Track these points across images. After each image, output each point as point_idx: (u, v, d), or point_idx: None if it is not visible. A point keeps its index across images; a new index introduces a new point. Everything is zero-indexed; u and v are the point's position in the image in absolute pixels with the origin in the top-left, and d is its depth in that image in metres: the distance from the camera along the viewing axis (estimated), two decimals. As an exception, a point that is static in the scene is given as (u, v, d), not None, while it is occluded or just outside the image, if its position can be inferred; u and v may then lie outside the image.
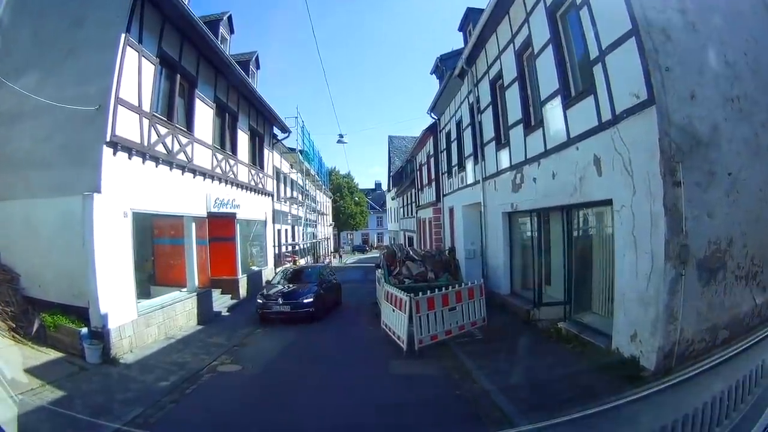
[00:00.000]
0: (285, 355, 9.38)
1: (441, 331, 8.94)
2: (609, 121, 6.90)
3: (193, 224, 11.90)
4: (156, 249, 12.69)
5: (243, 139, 15.72)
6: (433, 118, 21.41)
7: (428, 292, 9.05)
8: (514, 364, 7.41)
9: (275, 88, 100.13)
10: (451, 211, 19.20)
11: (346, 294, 16.72)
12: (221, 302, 13.70)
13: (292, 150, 21.69)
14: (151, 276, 12.73)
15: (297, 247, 22.78)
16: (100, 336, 8.23)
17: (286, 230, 23.18)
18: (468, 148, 15.47)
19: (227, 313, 13.24)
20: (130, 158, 9.22)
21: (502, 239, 12.58)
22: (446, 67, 19.35)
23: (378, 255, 19.71)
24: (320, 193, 33.67)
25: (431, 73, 22.71)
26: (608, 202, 7.12)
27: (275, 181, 20.45)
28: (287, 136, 20.24)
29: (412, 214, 30.83)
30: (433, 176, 22.79)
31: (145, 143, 9.67)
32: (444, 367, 7.88)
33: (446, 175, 19.98)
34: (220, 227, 14.35)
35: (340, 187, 54.90)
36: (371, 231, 72.48)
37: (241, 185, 15.27)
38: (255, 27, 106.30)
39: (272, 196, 19.57)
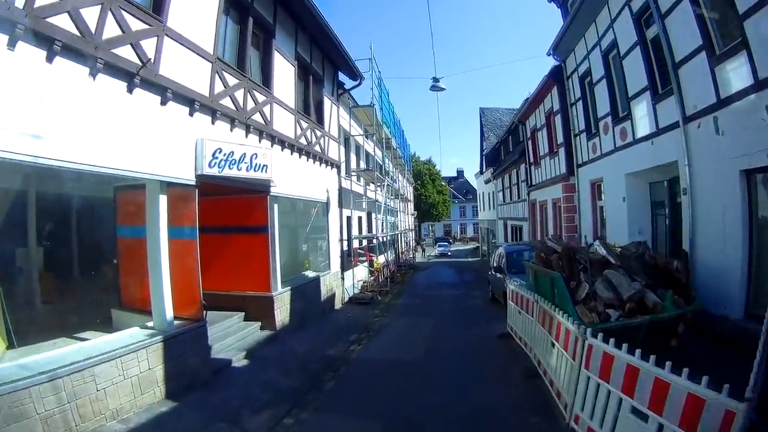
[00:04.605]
0: None
1: None
2: None
3: (162, 198, 5.71)
4: (122, 246, 6.78)
5: (284, 69, 9.40)
6: (556, 60, 14.50)
7: None
8: None
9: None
10: (596, 186, 12.89)
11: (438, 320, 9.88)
12: (238, 339, 7.50)
13: (365, 106, 15.04)
14: (116, 294, 6.91)
15: (374, 241, 16.26)
16: None
17: (360, 218, 16.74)
18: (636, 82, 9.39)
19: (243, 363, 6.92)
20: None
21: (739, 219, 6.54)
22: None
23: (500, 251, 12.66)
24: (401, 176, 26.99)
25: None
26: None
27: (342, 148, 14.03)
28: (358, 85, 13.68)
29: (518, 198, 23.34)
30: (560, 140, 15.76)
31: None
32: None
33: (583, 135, 13.30)
34: (238, 208, 8.26)
35: (420, 174, 48.61)
36: (453, 222, 66.97)
37: (280, 140, 8.94)
38: None
39: (338, 167, 13.18)
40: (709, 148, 7.16)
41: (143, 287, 6.14)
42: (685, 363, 3.04)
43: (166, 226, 5.73)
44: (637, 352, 3.62)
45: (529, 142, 20.47)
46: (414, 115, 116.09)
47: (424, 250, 43.61)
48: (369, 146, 18.05)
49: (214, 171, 6.22)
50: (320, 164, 11.50)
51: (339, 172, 13.21)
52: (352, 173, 15.03)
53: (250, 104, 7.72)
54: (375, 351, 7.97)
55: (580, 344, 4.62)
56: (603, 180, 12.11)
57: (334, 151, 12.78)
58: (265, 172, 7.05)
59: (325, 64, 12.19)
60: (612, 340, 4.02)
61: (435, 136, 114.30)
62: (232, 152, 6.47)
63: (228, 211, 8.32)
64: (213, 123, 6.72)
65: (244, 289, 8.18)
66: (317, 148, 11.08)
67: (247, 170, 6.73)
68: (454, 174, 70.23)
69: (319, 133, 11.28)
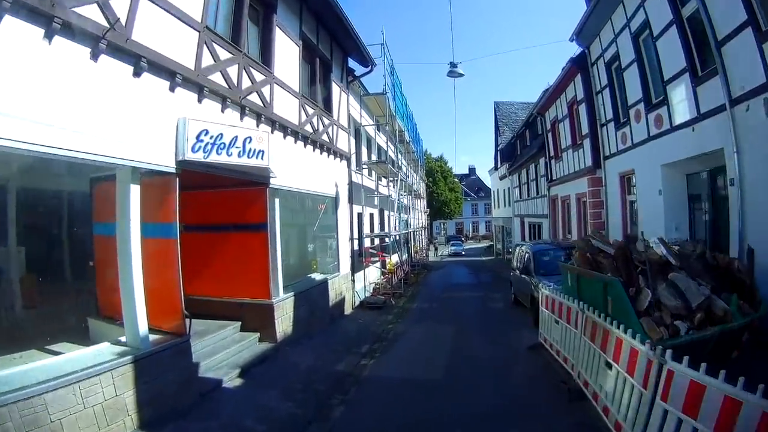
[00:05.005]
0: None
1: None
2: None
3: (133, 188, 4.70)
4: (98, 246, 5.79)
5: (287, 48, 8.35)
6: (579, 46, 13.39)
7: None
8: None
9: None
10: (625, 179, 11.81)
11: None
12: (232, 353, 6.45)
13: (377, 94, 13.89)
14: (94, 300, 5.96)
15: (387, 240, 15.13)
16: None
17: (372, 215, 15.65)
18: (673, 65, 8.43)
19: (236, 383, 5.87)
20: None
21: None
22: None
23: (525, 250, 11.44)
24: (413, 172, 25.74)
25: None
26: None
27: (353, 140, 12.94)
28: (369, 71, 12.53)
29: (537, 194, 22.08)
30: (584, 132, 14.64)
31: None
32: None
33: (611, 125, 12.21)
34: (233, 203, 7.25)
35: (432, 171, 47.39)
36: (465, 220, 65.67)
37: (281, 125, 7.91)
38: None
39: (348, 159, 12.12)
40: (761, 132, 6.22)
41: (119, 294, 5.15)
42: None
43: (138, 222, 4.71)
44: (740, 381, 2.73)
45: (549, 134, 19.24)
46: (425, 112, 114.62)
47: (436, 249, 42.39)
48: (381, 140, 16.96)
49: (199, 156, 5.18)
50: (328, 155, 10.44)
51: (349, 165, 12.14)
52: (364, 166, 13.94)
53: (246, 83, 6.67)
54: (390, 366, 6.88)
55: (655, 368, 3.62)
56: (635, 172, 10.97)
57: (344, 141, 11.71)
58: (262, 158, 5.98)
59: (334, 47, 11.13)
60: (704, 366, 3.06)
61: (446, 134, 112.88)
62: (221, 134, 5.41)
63: (222, 206, 7.30)
64: (200, 101, 5.69)
65: (241, 296, 7.15)
66: (325, 137, 10.02)
67: (239, 156, 5.66)
68: (466, 171, 68.87)
69: (327, 122, 10.23)
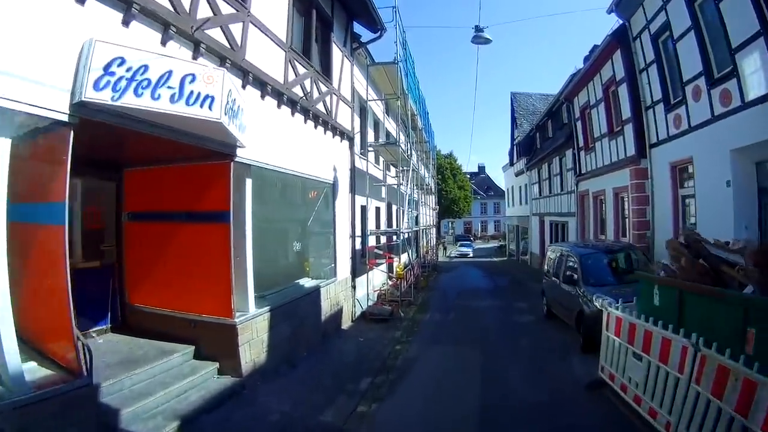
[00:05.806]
0: None
1: None
2: None
3: (1, 143, 2.91)
4: (14, 236, 3.91)
5: (274, -13, 6.52)
6: (620, 19, 12.02)
7: None
8: None
9: None
10: (677, 170, 10.36)
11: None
12: (174, 394, 4.53)
13: (386, 63, 11.95)
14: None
15: (395, 239, 13.14)
16: None
17: (378, 209, 13.75)
18: (742, 29, 7.26)
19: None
20: None
21: None
22: None
23: (566, 253, 9.54)
24: (422, 165, 23.68)
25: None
26: None
27: (357, 119, 11.07)
28: (378, 37, 10.67)
29: (561, 190, 20.20)
30: (625, 117, 12.69)
31: None
32: None
33: (659, 107, 10.80)
34: (185, 183, 5.38)
35: (441, 168, 45.50)
36: (474, 219, 64.08)
37: (258, 80, 5.99)
38: None
39: (351, 140, 10.26)
40: None
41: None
42: None
43: (4, 197, 2.91)
44: None
45: (579, 122, 17.37)
46: (433, 108, 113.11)
47: (445, 249, 40.58)
48: (390, 125, 15.09)
49: (105, 97, 3.30)
50: (325, 131, 8.57)
51: (352, 146, 10.24)
52: (370, 149, 12.02)
53: (205, 12, 4.79)
54: (400, 417, 4.95)
55: None
56: (693, 160, 9.39)
57: (346, 117, 9.83)
58: (210, 108, 3.94)
59: (336, 5, 9.27)
60: None
61: (455, 130, 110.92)
62: (145, 67, 3.50)
63: (174, 187, 5.45)
64: (126, 24, 3.84)
65: (194, 311, 5.25)
66: (321, 107, 8.15)
67: (172, 101, 3.70)
68: (476, 170, 67.32)
69: (324, 88, 8.35)
